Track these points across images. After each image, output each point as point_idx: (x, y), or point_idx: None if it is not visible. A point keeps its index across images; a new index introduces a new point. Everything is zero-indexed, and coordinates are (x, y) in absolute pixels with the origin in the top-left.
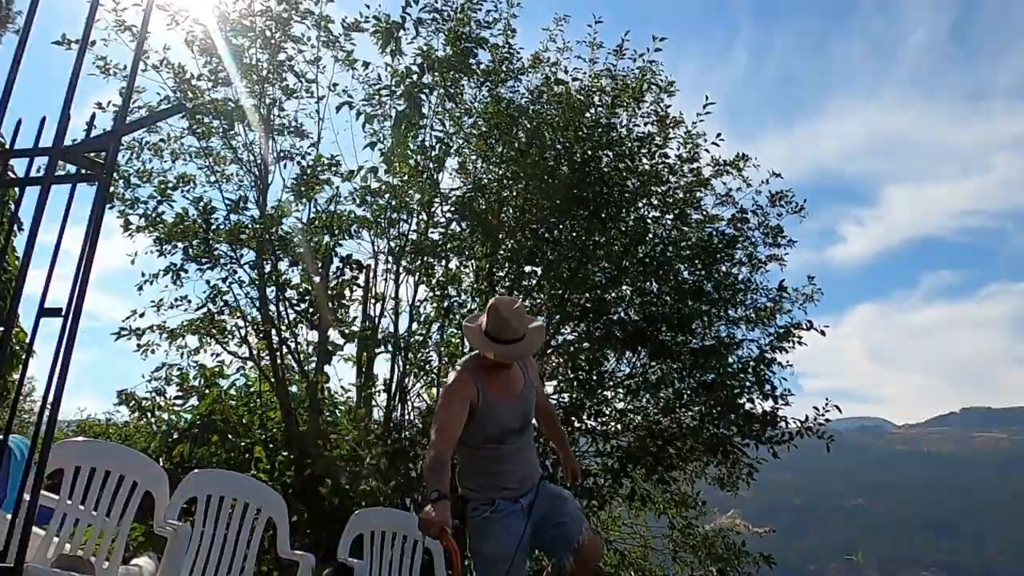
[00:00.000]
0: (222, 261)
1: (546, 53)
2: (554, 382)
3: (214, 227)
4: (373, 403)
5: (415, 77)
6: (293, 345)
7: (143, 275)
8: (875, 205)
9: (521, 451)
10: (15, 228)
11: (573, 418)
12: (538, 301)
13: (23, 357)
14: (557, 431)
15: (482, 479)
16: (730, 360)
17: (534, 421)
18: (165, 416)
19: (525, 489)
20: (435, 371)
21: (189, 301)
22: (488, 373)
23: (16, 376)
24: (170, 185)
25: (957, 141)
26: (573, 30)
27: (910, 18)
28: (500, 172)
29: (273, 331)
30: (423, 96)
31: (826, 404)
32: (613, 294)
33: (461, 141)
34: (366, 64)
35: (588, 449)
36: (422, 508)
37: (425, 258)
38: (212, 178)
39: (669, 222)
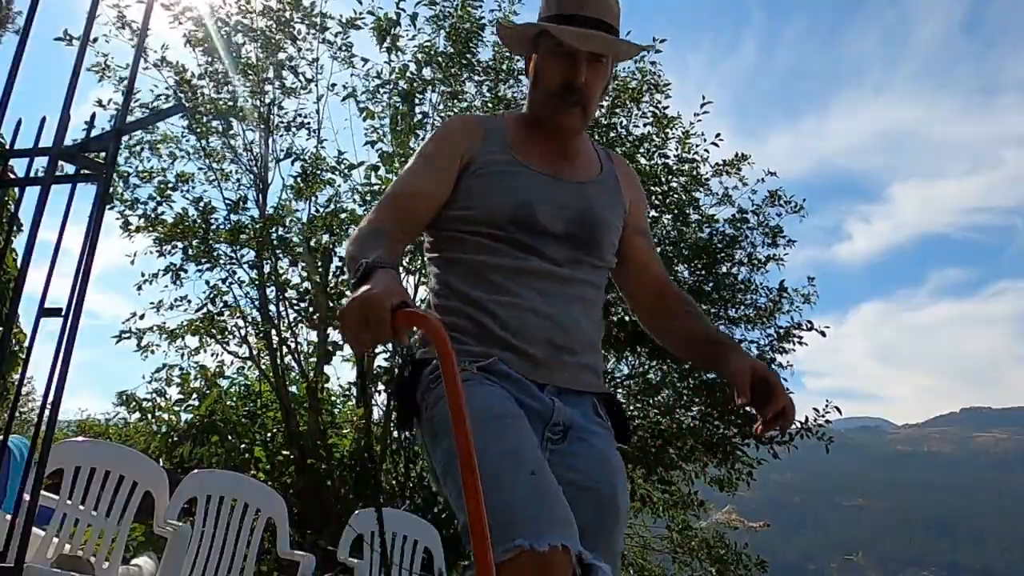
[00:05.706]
0: (222, 261)
1: None
2: None
3: (214, 227)
4: (373, 403)
5: (411, 73)
6: (293, 345)
7: (143, 275)
8: (882, 201)
9: (559, 282)
10: (15, 228)
11: None
12: None
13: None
14: (684, 316)
15: (475, 309)
16: None
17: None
18: (165, 416)
19: (557, 369)
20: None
21: (189, 301)
22: (528, 133)
23: (16, 376)
24: (170, 185)
25: (966, 136)
26: None
27: (921, 11)
28: None
29: (273, 331)
30: (422, 93)
31: (826, 406)
32: (613, 294)
33: None
34: (365, 60)
35: None
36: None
37: (425, 257)
38: (212, 177)
39: (668, 222)
